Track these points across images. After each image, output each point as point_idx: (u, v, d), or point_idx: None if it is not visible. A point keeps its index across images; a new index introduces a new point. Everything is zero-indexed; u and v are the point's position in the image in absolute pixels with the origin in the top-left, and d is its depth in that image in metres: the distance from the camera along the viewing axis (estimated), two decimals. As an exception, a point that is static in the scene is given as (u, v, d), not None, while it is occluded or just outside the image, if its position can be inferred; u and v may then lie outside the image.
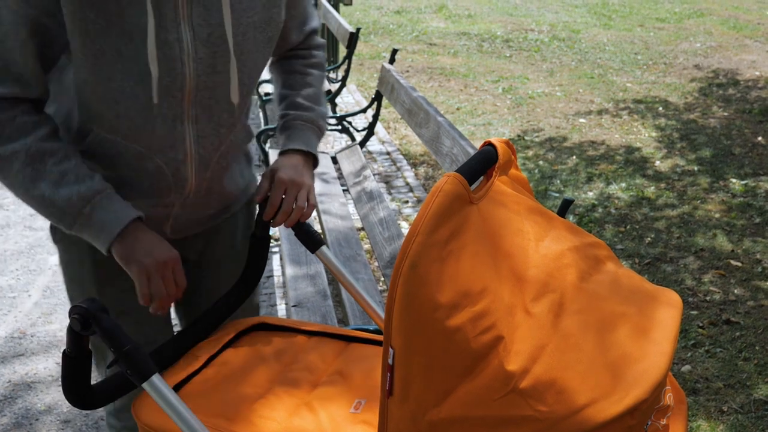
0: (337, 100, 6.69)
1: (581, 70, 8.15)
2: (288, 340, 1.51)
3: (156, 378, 1.17)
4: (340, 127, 4.49)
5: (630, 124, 6.16)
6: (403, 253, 1.03)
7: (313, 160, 1.70)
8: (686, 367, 2.91)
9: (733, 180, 4.83)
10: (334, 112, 5.35)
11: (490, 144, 1.35)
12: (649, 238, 4.00)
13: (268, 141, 4.34)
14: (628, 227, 4.15)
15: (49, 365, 2.95)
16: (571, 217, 4.28)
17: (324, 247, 1.63)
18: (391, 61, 3.89)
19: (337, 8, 7.29)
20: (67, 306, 2.94)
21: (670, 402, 1.26)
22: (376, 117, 4.05)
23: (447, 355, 1.02)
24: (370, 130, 4.09)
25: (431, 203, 1.07)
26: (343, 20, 5.33)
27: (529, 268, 1.16)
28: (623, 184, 4.76)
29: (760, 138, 5.71)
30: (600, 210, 4.38)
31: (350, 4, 7.65)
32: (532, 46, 9.44)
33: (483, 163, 1.30)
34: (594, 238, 1.33)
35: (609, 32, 10.29)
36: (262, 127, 4.81)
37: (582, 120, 6.29)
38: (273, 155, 3.63)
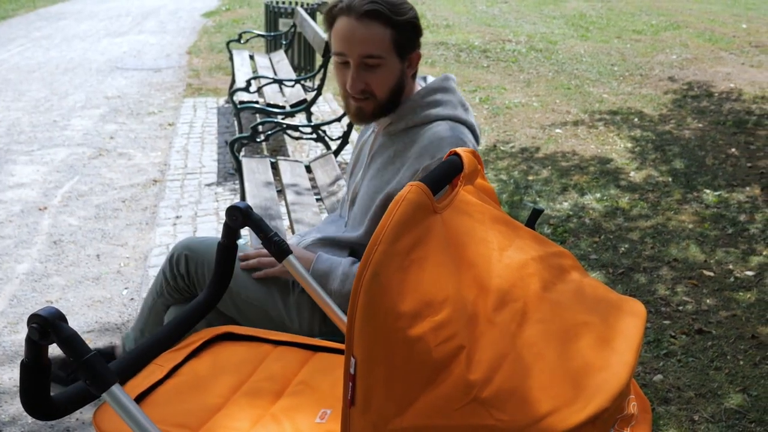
0: (313, 108, 6.69)
1: (558, 80, 8.22)
2: (253, 349, 1.51)
3: (116, 388, 1.16)
4: (314, 136, 4.49)
5: (605, 134, 6.22)
6: (365, 262, 1.04)
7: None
8: (658, 377, 2.94)
9: (707, 191, 4.89)
10: (309, 120, 5.35)
11: (455, 153, 1.36)
12: (623, 249, 4.04)
13: (242, 149, 4.33)
14: (602, 237, 4.18)
15: (14, 375, 2.91)
16: (545, 228, 4.30)
17: (291, 256, 1.63)
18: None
19: (313, 17, 7.30)
20: None
21: (634, 411, 1.27)
22: (351, 126, 4.06)
23: (408, 365, 1.02)
24: (344, 139, 4.10)
25: (394, 212, 1.08)
26: (320, 29, 5.34)
27: (493, 277, 1.17)
28: (598, 195, 4.80)
29: (733, 149, 5.78)
30: (574, 220, 4.42)
31: (327, 12, 7.66)
32: (509, 56, 9.51)
33: (448, 173, 1.31)
34: (559, 248, 1.35)
35: (586, 44, 10.39)
36: (236, 135, 4.79)
37: (558, 130, 6.34)
38: (246, 163, 3.62)
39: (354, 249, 2.01)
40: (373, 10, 1.75)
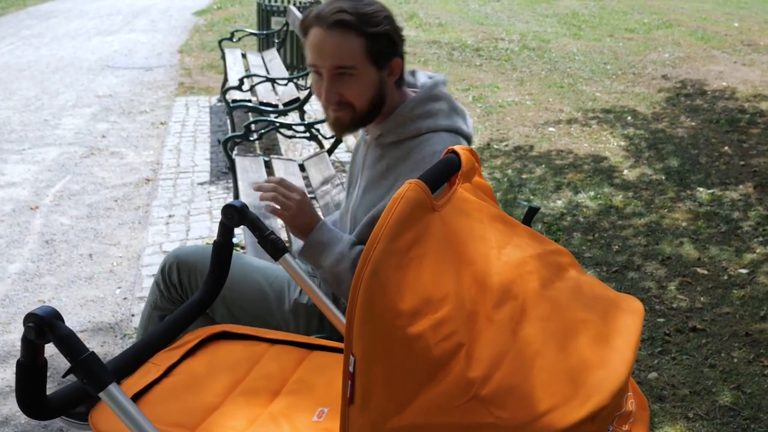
0: (306, 107, 6.68)
1: (551, 79, 8.23)
2: (250, 348, 1.51)
3: (113, 387, 1.15)
4: (308, 135, 4.49)
5: (599, 133, 6.23)
6: (364, 261, 1.04)
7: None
8: (652, 374, 2.94)
9: (700, 189, 4.90)
10: (303, 119, 5.34)
11: (453, 152, 1.36)
12: (616, 246, 4.05)
13: (235, 148, 4.33)
14: (596, 235, 4.19)
15: (6, 375, 2.90)
16: (539, 225, 4.31)
17: (287, 255, 1.62)
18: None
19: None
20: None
21: (632, 408, 1.28)
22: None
23: (408, 363, 1.02)
24: (338, 138, 4.09)
25: (393, 210, 1.08)
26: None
27: (491, 275, 1.17)
28: (591, 193, 4.81)
29: (726, 148, 5.80)
30: (568, 218, 4.42)
31: (320, 10, 7.65)
32: (502, 55, 9.52)
33: (446, 171, 1.30)
34: (557, 246, 1.35)
35: (579, 42, 10.41)
36: (229, 134, 4.79)
37: (551, 129, 6.35)
38: (239, 162, 3.62)
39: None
40: (340, 20, 1.70)
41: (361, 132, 2.03)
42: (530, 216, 1.83)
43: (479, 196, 1.38)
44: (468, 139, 1.90)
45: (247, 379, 1.41)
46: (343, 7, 1.71)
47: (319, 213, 3.61)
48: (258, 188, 1.89)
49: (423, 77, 1.98)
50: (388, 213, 1.07)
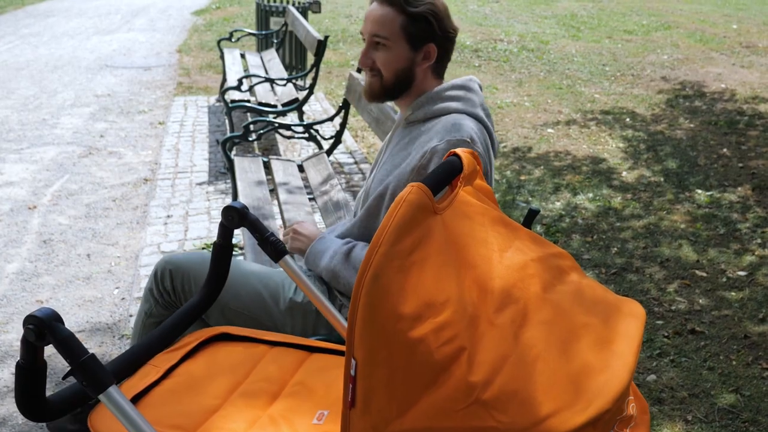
0: (305, 108, 6.68)
1: (550, 80, 8.23)
2: (249, 350, 1.50)
3: (113, 389, 1.15)
4: (306, 135, 4.48)
5: (597, 134, 6.23)
6: (365, 264, 1.03)
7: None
8: (651, 377, 2.94)
9: (699, 191, 4.90)
10: (301, 120, 5.34)
11: (455, 154, 1.35)
12: (615, 248, 4.05)
13: (234, 148, 4.32)
14: (594, 237, 4.19)
15: (4, 375, 2.90)
16: (538, 227, 4.31)
17: (287, 257, 1.62)
18: (359, 69, 3.90)
19: (305, 15, 7.29)
20: (23, 315, 2.85)
21: (633, 412, 1.27)
22: (343, 125, 4.05)
23: (410, 367, 1.02)
24: (337, 138, 4.09)
25: (395, 214, 1.07)
26: (311, 28, 5.33)
27: (493, 278, 1.17)
28: (590, 195, 4.81)
29: (725, 150, 5.81)
30: (567, 220, 4.42)
31: (319, 11, 7.65)
32: (501, 56, 9.52)
33: (448, 174, 1.30)
34: (558, 249, 1.34)
35: (578, 44, 10.41)
36: (228, 134, 4.78)
37: (550, 130, 6.35)
38: (238, 162, 3.61)
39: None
40: None
41: (398, 116, 2.17)
42: (530, 218, 1.83)
43: (481, 199, 1.38)
44: (490, 133, 2.00)
45: (247, 381, 1.41)
46: None
47: (317, 215, 3.61)
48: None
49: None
50: (390, 216, 1.07)
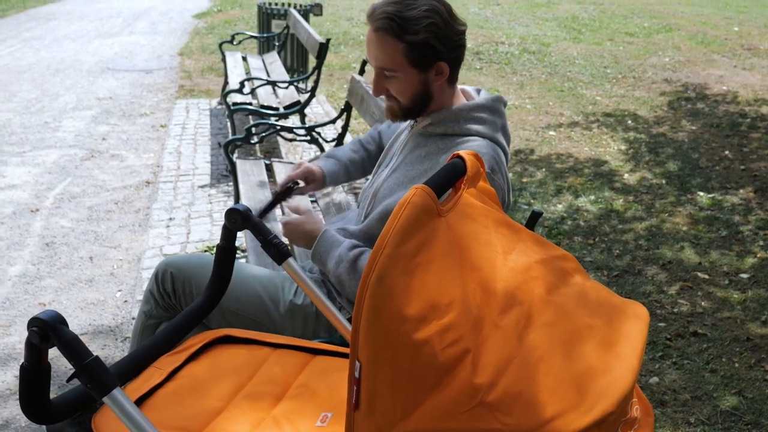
0: (306, 110, 6.68)
1: (551, 83, 8.24)
2: (253, 352, 1.50)
3: (117, 391, 1.15)
4: (309, 138, 4.48)
5: (599, 137, 6.24)
6: (370, 266, 1.03)
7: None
8: (654, 379, 2.94)
9: (701, 193, 4.90)
10: (303, 122, 5.34)
11: (458, 156, 1.35)
12: (617, 251, 4.05)
13: (236, 151, 4.32)
14: (596, 240, 4.19)
15: (7, 378, 2.90)
16: (540, 230, 4.31)
17: (290, 259, 1.61)
18: (361, 72, 3.90)
19: (307, 18, 7.30)
20: (26, 318, 2.98)
21: (636, 414, 1.27)
22: (345, 128, 4.06)
23: (414, 368, 1.02)
24: (339, 140, 4.09)
25: (399, 215, 1.07)
26: (313, 30, 5.34)
27: (497, 280, 1.17)
28: (592, 197, 4.81)
29: (727, 152, 5.81)
30: (569, 222, 4.42)
31: (320, 14, 7.66)
32: (502, 58, 9.52)
33: (451, 176, 1.30)
34: (562, 251, 1.34)
35: (579, 46, 10.42)
36: (230, 137, 4.78)
37: (552, 132, 6.36)
38: (240, 165, 3.61)
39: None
40: (381, 27, 1.80)
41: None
42: (533, 221, 1.83)
43: (484, 201, 1.38)
44: (506, 154, 1.98)
45: (251, 383, 1.41)
46: (388, 11, 1.79)
47: (320, 215, 3.61)
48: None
49: (485, 94, 2.06)
50: (394, 218, 1.07)
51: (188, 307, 1.57)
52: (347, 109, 3.99)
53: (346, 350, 1.56)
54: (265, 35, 7.54)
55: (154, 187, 4.92)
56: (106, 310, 3.37)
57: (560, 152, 5.81)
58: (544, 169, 5.37)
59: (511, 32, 11.42)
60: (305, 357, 1.51)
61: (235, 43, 7.46)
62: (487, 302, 1.12)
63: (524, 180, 5.13)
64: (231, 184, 4.84)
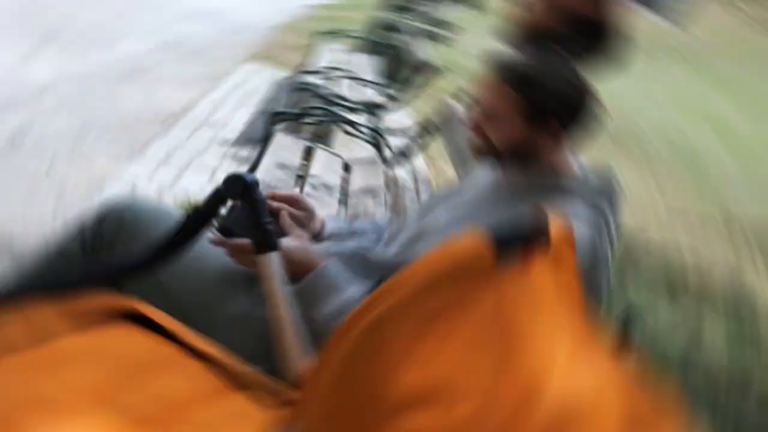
0: (385, 115, 6.54)
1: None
2: (158, 349, 1.09)
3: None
4: (372, 140, 4.22)
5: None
6: (372, 300, 0.92)
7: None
8: None
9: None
10: (373, 123, 5.13)
11: (542, 217, 1.05)
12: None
13: (279, 125, 4.15)
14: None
15: None
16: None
17: (274, 254, 1.48)
18: (456, 98, 3.70)
19: (435, 41, 7.17)
20: None
21: None
22: (419, 143, 3.97)
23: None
24: (406, 154, 3.96)
25: (437, 259, 0.95)
26: (432, 53, 5.39)
27: (549, 389, 0.89)
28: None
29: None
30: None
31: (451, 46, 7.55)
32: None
33: (524, 236, 1.02)
34: (662, 396, 1.00)
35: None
36: (282, 109, 4.62)
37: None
38: (278, 138, 3.54)
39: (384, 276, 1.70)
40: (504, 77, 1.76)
41: None
42: (627, 331, 1.28)
43: (562, 298, 1.06)
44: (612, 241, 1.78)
45: (128, 389, 0.97)
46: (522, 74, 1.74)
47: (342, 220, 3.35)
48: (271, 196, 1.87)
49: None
50: (431, 259, 0.97)
51: (116, 260, 1.52)
52: (431, 128, 3.86)
53: (291, 396, 1.16)
54: (373, 39, 7.45)
55: (172, 124, 4.90)
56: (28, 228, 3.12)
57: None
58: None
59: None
60: (225, 386, 1.08)
61: (337, 35, 7.43)
62: (526, 409, 0.86)
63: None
64: (255, 152, 4.65)
